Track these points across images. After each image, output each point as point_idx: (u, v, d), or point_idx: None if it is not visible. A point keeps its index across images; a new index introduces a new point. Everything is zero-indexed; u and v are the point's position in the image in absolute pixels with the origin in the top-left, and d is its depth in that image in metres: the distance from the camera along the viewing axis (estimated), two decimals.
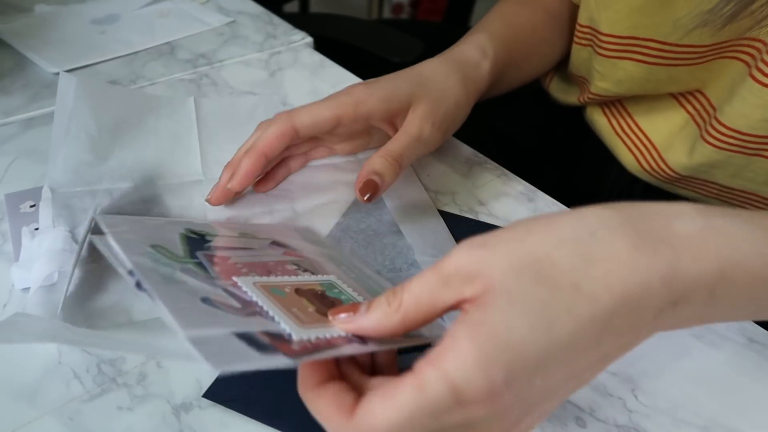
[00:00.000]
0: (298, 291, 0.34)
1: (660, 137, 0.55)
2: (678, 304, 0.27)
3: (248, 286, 0.33)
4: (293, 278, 0.36)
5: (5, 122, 0.56)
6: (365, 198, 0.41)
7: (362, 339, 0.29)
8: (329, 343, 0.28)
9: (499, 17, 0.57)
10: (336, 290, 0.36)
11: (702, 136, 0.50)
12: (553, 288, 0.25)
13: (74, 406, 0.35)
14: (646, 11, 0.47)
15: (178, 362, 0.38)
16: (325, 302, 0.34)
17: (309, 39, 0.72)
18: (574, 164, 0.66)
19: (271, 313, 0.31)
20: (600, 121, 0.61)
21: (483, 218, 0.50)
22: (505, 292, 0.25)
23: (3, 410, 0.35)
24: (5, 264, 0.43)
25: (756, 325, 0.41)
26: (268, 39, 0.72)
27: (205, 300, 0.30)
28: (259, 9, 0.78)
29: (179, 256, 0.34)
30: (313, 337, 0.29)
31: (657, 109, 0.56)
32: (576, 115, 0.65)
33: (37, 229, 0.44)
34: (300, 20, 0.77)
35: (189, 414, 0.35)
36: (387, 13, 2.01)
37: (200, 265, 0.34)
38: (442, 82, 0.46)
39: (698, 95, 0.52)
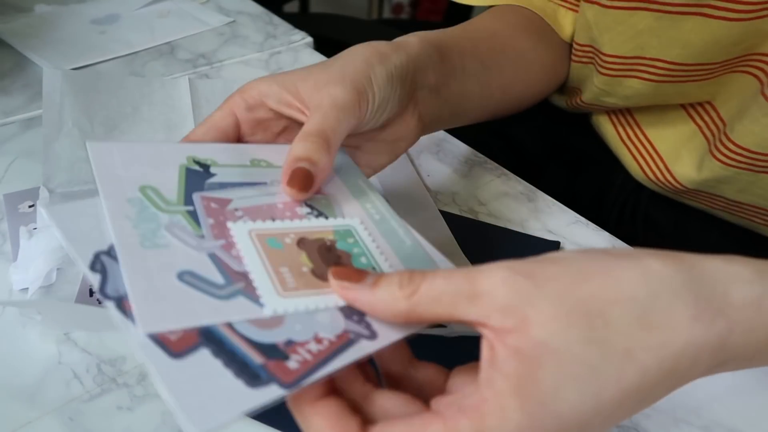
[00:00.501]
0: (301, 242, 0.30)
1: (667, 148, 0.54)
2: (714, 368, 0.26)
3: (242, 237, 0.30)
4: (299, 223, 0.32)
5: (5, 122, 0.56)
6: (300, 191, 0.33)
7: (362, 318, 0.27)
8: (333, 346, 0.26)
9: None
10: (351, 240, 0.32)
11: (711, 152, 0.49)
12: (605, 352, 0.24)
13: (74, 406, 0.35)
14: (653, 33, 0.46)
15: None
16: (329, 257, 0.30)
17: (309, 39, 0.72)
18: (579, 168, 0.66)
19: (250, 273, 0.28)
20: (606, 127, 0.60)
21: (483, 218, 0.50)
22: (553, 349, 0.23)
23: (3, 410, 0.35)
24: (5, 264, 0.43)
25: None
26: (268, 39, 0.72)
27: (183, 275, 0.27)
28: (259, 9, 0.78)
29: (170, 201, 0.31)
30: (297, 321, 0.27)
31: (665, 119, 0.54)
32: (582, 119, 0.64)
33: (35, 228, 0.44)
34: (300, 20, 0.77)
35: None
36: (387, 13, 2.01)
37: (192, 215, 0.30)
38: (344, 54, 0.40)
39: (708, 107, 0.51)
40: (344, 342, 0.27)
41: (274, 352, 0.25)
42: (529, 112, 0.66)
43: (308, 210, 0.33)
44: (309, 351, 0.26)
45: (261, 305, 0.27)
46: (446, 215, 0.49)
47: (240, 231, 0.30)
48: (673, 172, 0.53)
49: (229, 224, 0.30)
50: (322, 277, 0.29)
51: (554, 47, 0.54)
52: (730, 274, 0.26)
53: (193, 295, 0.26)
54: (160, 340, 0.24)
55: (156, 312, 0.25)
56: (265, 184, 0.34)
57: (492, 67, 0.49)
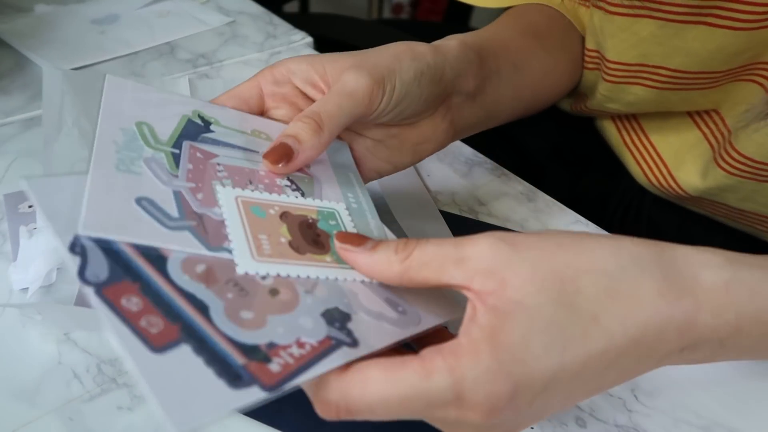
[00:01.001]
0: (285, 215, 0.31)
1: (671, 153, 0.54)
2: (685, 350, 0.27)
3: (228, 201, 0.30)
4: (285, 198, 0.32)
5: (5, 122, 0.56)
6: (273, 163, 0.34)
7: (344, 325, 0.28)
8: (315, 351, 0.26)
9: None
10: (333, 222, 0.33)
11: (715, 160, 0.49)
12: (573, 314, 0.25)
13: (74, 406, 0.35)
14: (656, 41, 0.46)
15: None
16: (308, 233, 0.31)
17: (309, 39, 0.72)
18: (582, 171, 0.65)
19: (229, 234, 0.29)
20: (610, 130, 0.60)
21: (483, 218, 0.50)
22: (525, 306, 0.25)
23: (3, 410, 0.35)
24: (4, 264, 0.43)
25: None
26: (268, 39, 0.72)
27: (141, 200, 0.28)
28: (259, 9, 0.78)
29: (160, 140, 0.32)
30: (268, 281, 0.28)
31: (670, 125, 0.54)
32: (586, 121, 0.64)
33: (35, 228, 0.44)
34: (300, 20, 0.77)
35: None
36: (387, 13, 2.01)
37: (175, 157, 0.31)
38: (380, 47, 0.40)
39: (714, 115, 0.51)
40: (326, 347, 0.27)
41: (255, 353, 0.25)
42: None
43: (288, 183, 0.34)
44: (291, 355, 0.26)
45: (230, 249, 0.28)
46: (446, 215, 0.49)
47: (227, 195, 0.30)
48: (677, 179, 0.53)
49: (217, 186, 0.31)
50: (298, 250, 0.30)
51: (575, 44, 0.54)
52: (699, 260, 0.28)
53: (142, 217, 0.28)
54: (140, 333, 0.24)
55: (101, 219, 0.26)
56: (256, 152, 0.35)
57: (523, 68, 0.48)
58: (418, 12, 2.02)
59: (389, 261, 0.28)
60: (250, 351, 0.25)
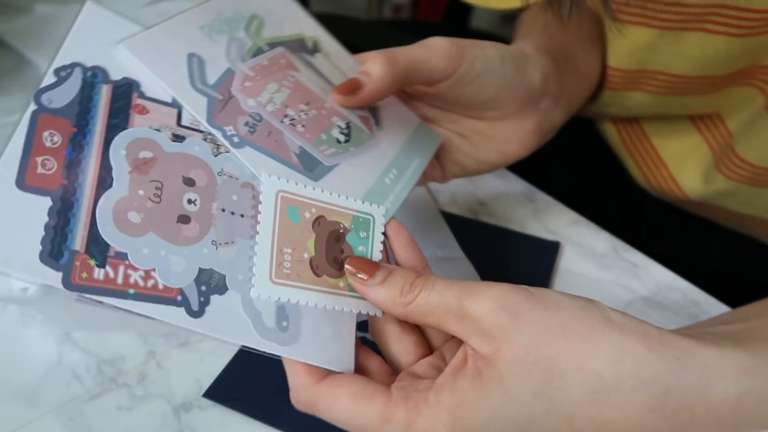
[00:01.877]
0: (317, 222, 0.30)
1: (671, 156, 0.54)
2: None
3: (268, 194, 0.29)
4: (328, 197, 0.31)
5: (5, 122, 0.56)
6: (340, 93, 0.33)
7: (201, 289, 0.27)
8: (154, 291, 0.25)
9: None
10: (364, 235, 0.31)
11: (717, 165, 0.48)
12: (549, 410, 0.25)
13: (74, 406, 0.35)
14: (653, 48, 0.45)
15: (178, 362, 0.38)
16: (332, 251, 0.30)
17: None
18: (582, 172, 0.65)
19: (257, 249, 0.28)
20: (610, 131, 0.59)
21: (483, 218, 0.50)
22: (505, 388, 0.25)
23: (3, 410, 0.35)
24: None
25: None
26: None
27: (193, 56, 0.30)
28: None
29: (261, 35, 0.33)
30: (274, 297, 0.28)
31: (670, 128, 0.54)
32: (587, 121, 0.64)
33: None
34: None
35: (189, 414, 0.35)
36: (387, 13, 2.01)
37: (259, 51, 0.33)
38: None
39: (716, 119, 0.50)
40: (168, 297, 0.26)
41: (99, 251, 0.24)
42: None
43: (341, 125, 0.33)
44: (128, 276, 0.25)
45: (252, 286, 0.27)
46: (446, 215, 0.49)
47: (269, 188, 0.29)
48: (679, 183, 0.53)
49: (274, 122, 0.31)
50: (317, 271, 0.29)
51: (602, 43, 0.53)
52: (717, 370, 0.25)
53: (179, 66, 0.29)
54: (26, 162, 0.24)
55: (145, 46, 0.28)
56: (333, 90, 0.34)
57: (583, 70, 0.48)
58: (418, 12, 2.02)
59: (394, 303, 0.27)
60: (96, 245, 0.24)
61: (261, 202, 0.29)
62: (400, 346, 0.30)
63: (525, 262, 0.46)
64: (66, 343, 0.38)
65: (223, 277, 0.27)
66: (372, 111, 0.36)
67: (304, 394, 0.27)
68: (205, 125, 0.29)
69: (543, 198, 0.52)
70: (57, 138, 0.25)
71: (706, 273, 0.48)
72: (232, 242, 0.28)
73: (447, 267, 0.45)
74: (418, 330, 0.31)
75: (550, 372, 0.25)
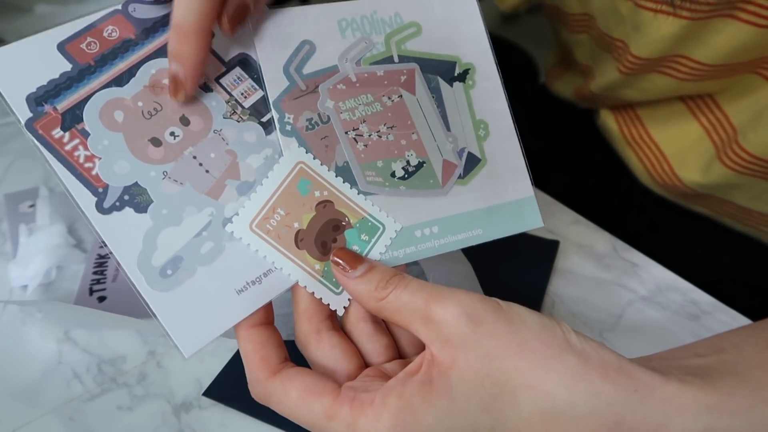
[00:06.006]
0: (325, 204, 0.30)
1: (673, 149, 0.54)
2: None
3: (289, 157, 0.30)
4: (347, 190, 0.30)
5: (5, 122, 0.56)
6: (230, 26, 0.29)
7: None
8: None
9: None
10: (365, 238, 0.31)
11: (719, 157, 0.48)
12: (496, 424, 0.24)
13: (74, 406, 0.35)
14: (678, 39, 0.45)
15: (178, 362, 0.38)
16: (325, 234, 0.30)
17: None
18: (583, 172, 0.65)
19: (253, 194, 0.29)
20: (611, 127, 0.59)
21: None
22: (453, 398, 0.25)
23: (3, 410, 0.35)
24: (5, 264, 0.43)
25: None
26: None
27: (305, 42, 0.31)
28: None
29: (401, 47, 0.33)
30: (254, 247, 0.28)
31: (671, 120, 0.54)
32: (587, 120, 0.64)
33: (35, 226, 0.44)
34: None
35: (189, 414, 0.35)
36: None
37: (386, 60, 0.32)
38: None
39: (714, 108, 0.50)
40: (94, 183, 0.27)
41: (73, 121, 0.28)
42: (532, 113, 0.65)
43: (410, 161, 0.32)
44: (76, 148, 0.27)
45: (230, 221, 0.28)
46: None
47: (293, 154, 0.30)
48: (680, 176, 0.53)
49: (337, 130, 0.31)
50: (299, 243, 0.29)
51: None
52: (677, 405, 0.25)
53: (287, 46, 0.31)
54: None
55: (266, 23, 0.30)
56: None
57: None
58: None
59: (368, 296, 0.28)
60: (73, 115, 0.27)
61: (278, 162, 0.30)
62: (371, 346, 0.30)
63: (524, 262, 0.46)
64: (66, 342, 0.39)
65: (150, 202, 0.28)
66: (468, 162, 0.33)
67: (258, 388, 0.28)
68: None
69: (543, 198, 0.52)
70: (115, 34, 0.28)
71: (706, 273, 0.48)
72: (181, 184, 0.28)
73: (445, 266, 0.45)
74: (390, 334, 0.31)
75: (501, 386, 0.24)
